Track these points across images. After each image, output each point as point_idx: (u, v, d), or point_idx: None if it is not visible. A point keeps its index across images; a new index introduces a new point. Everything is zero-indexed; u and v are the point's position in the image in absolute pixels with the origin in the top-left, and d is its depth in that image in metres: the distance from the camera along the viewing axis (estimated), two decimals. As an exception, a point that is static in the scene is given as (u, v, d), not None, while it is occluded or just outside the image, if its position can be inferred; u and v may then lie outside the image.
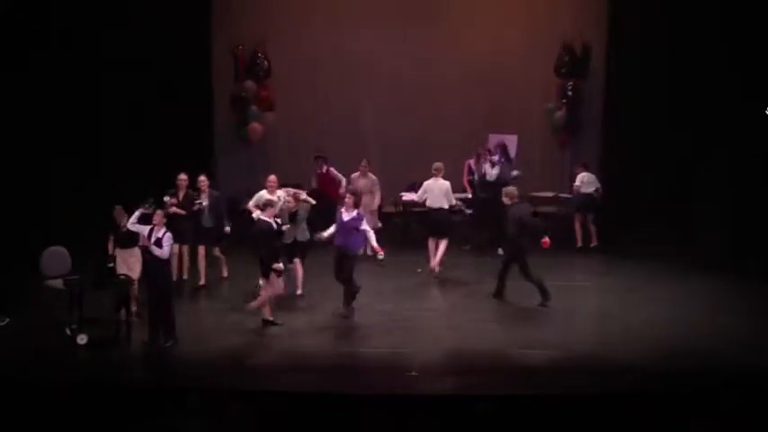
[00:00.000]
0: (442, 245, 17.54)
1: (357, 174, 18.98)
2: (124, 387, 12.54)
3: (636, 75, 21.17)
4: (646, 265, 18.11)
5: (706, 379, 12.79)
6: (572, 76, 22.33)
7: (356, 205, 15.28)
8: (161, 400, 12.02)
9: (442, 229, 17.63)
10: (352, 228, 15.07)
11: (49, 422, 11.66)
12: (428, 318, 15.43)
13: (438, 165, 17.77)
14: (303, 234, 16.05)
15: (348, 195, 15.48)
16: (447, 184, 17.65)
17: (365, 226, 15.25)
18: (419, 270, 17.70)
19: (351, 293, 15.25)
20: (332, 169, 19.31)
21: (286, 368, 13.59)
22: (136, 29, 20.09)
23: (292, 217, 15.81)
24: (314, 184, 19.32)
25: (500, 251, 16.80)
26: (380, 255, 15.14)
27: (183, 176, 16.88)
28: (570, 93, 22.29)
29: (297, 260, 16.13)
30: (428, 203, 17.68)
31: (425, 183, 17.76)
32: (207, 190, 17.07)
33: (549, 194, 21.16)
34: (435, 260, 17.53)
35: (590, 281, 17.26)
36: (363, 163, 19.15)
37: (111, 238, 14.96)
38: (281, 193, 16.09)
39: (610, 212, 21.55)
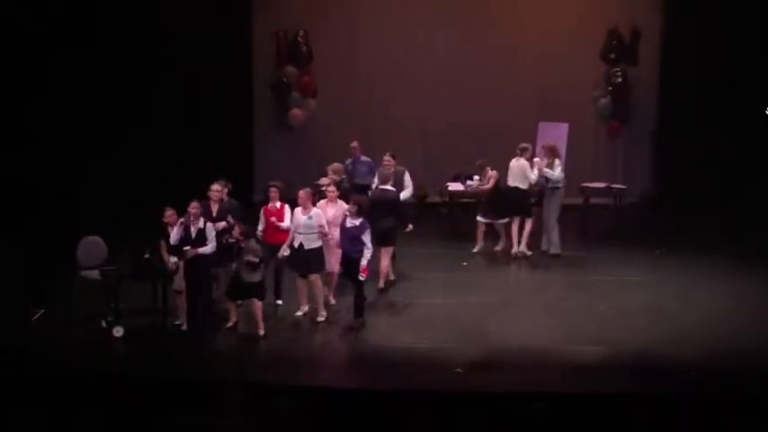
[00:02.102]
0: (527, 225, 18.08)
1: (324, 201, 15.43)
2: (162, 381, 12.65)
3: (693, 61, 21.05)
4: (702, 260, 17.93)
5: (765, 381, 12.73)
6: (620, 62, 22.25)
7: (360, 213, 14.62)
8: (200, 395, 12.14)
9: (518, 209, 18.11)
10: (354, 236, 14.53)
11: (84, 416, 11.78)
12: (474, 312, 15.36)
13: (522, 145, 18.19)
14: (253, 276, 14.21)
15: (352, 204, 14.80)
16: (527, 164, 17.97)
17: (367, 239, 14.51)
18: (464, 263, 17.72)
19: (361, 303, 14.80)
20: (287, 207, 15.17)
21: (328, 363, 13.76)
22: (175, 14, 20.25)
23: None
24: (261, 226, 15.04)
25: None
26: (362, 276, 14.54)
27: (216, 187, 14.98)
28: (618, 79, 22.22)
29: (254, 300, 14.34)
30: (508, 182, 18.17)
31: (510, 162, 18.18)
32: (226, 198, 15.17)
33: (601, 185, 21.10)
34: (522, 243, 18.12)
35: (644, 276, 17.13)
36: (331, 188, 15.59)
37: (163, 244, 14.33)
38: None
39: (665, 206, 21.52)
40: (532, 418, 11.75)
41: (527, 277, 17.39)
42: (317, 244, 14.76)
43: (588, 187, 20.70)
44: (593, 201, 20.84)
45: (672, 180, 21.79)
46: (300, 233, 14.68)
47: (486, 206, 18.33)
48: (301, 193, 14.93)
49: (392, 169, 16.76)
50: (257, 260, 13.99)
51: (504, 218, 18.20)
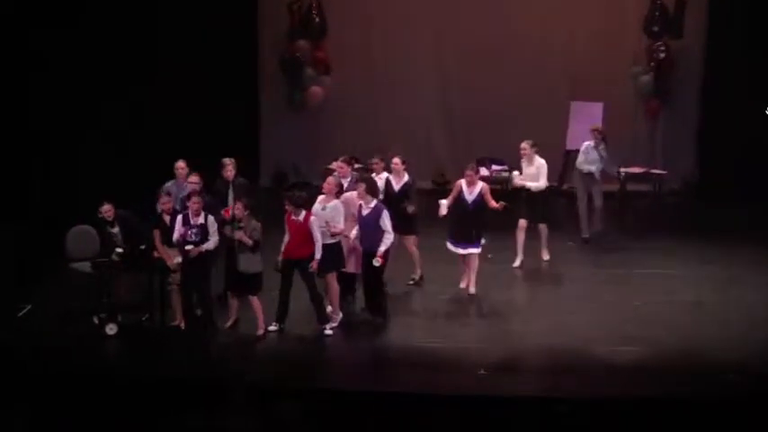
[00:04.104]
0: (543, 232, 17.33)
1: (354, 194, 14.77)
2: (156, 382, 12.65)
3: (742, 33, 20.92)
4: (749, 251, 17.88)
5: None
6: (663, 36, 22.07)
7: (372, 193, 14.29)
8: (197, 396, 12.15)
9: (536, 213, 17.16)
10: (373, 223, 14.22)
11: (74, 418, 11.82)
12: (499, 309, 15.37)
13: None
14: (250, 265, 14.08)
15: (359, 184, 14.44)
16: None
17: (386, 223, 14.21)
18: (489, 256, 17.58)
19: (379, 305, 14.60)
20: (312, 218, 14.09)
21: (341, 365, 13.79)
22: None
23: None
24: (285, 241, 14.21)
25: None
26: (377, 261, 14.18)
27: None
28: (662, 54, 22.03)
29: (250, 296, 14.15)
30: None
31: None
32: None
33: (639, 170, 20.94)
34: (543, 252, 17.41)
35: (685, 269, 17.07)
36: (355, 178, 15.10)
37: (158, 232, 14.23)
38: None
39: (708, 194, 21.38)
40: (561, 423, 11.70)
41: (557, 271, 17.28)
42: (333, 239, 14.32)
43: (625, 173, 20.55)
44: (630, 187, 20.68)
45: (717, 165, 21.64)
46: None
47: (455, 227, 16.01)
48: (330, 179, 14.67)
49: (348, 177, 15.46)
50: (250, 242, 13.79)
51: (474, 244, 15.77)
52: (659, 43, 22.10)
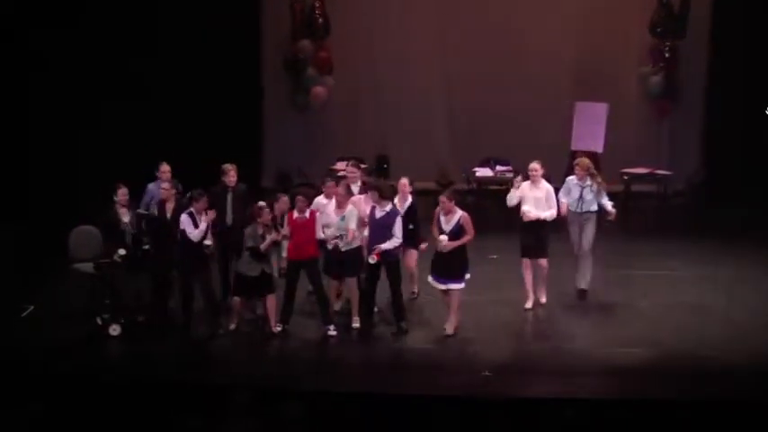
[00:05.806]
0: (543, 270, 15.68)
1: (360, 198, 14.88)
2: (161, 384, 12.70)
3: (745, 35, 20.95)
4: (754, 252, 17.93)
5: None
6: (669, 36, 22.12)
7: (384, 197, 14.10)
8: (202, 399, 12.17)
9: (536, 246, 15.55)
10: (386, 226, 14.12)
11: (75, 419, 11.84)
12: (503, 310, 15.37)
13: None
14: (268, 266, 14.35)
15: (370, 191, 14.34)
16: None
17: (397, 228, 14.09)
18: (494, 256, 17.63)
19: (400, 306, 14.51)
20: (318, 215, 14.39)
21: (343, 366, 13.76)
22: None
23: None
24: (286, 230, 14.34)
25: None
26: (373, 258, 14.02)
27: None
28: (667, 54, 22.08)
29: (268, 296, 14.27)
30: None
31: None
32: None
33: (644, 171, 20.99)
34: (540, 292, 15.68)
35: (690, 271, 17.10)
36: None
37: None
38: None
39: (714, 195, 21.42)
40: (566, 425, 11.75)
41: (561, 273, 17.28)
42: (354, 244, 14.44)
43: (629, 173, 20.60)
44: (634, 188, 20.73)
45: (722, 166, 21.67)
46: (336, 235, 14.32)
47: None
48: (339, 189, 14.51)
49: (358, 180, 15.26)
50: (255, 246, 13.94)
51: (455, 280, 14.41)
52: (665, 44, 22.15)
